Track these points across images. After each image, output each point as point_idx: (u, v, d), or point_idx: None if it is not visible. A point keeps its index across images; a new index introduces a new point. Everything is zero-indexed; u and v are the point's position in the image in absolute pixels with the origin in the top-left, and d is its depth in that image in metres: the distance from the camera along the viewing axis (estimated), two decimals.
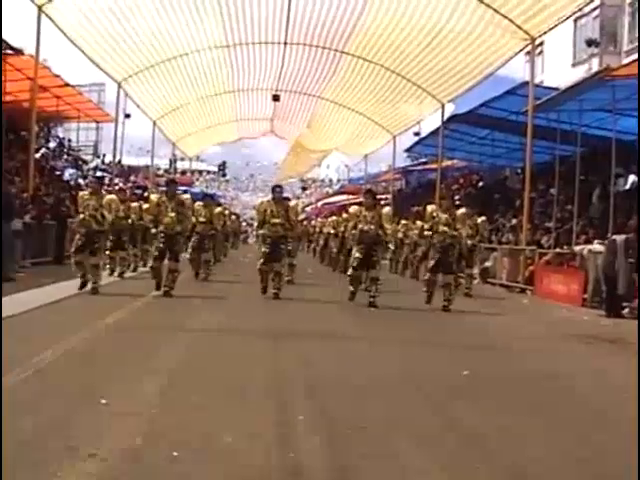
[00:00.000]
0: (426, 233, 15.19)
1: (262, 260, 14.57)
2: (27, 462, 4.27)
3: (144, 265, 19.33)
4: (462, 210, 15.14)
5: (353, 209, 14.97)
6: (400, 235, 24.01)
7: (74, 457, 4.38)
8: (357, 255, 14.08)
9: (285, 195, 16.68)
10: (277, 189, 15.36)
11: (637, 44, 28.68)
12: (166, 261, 13.99)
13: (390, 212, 14.88)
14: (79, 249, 13.66)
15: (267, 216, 14.58)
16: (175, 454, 4.49)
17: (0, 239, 14.70)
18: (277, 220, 14.51)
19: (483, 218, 19.14)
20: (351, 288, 14.35)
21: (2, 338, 7.17)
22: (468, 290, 17.80)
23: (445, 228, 14.30)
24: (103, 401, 5.57)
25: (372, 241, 13.94)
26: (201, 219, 18.38)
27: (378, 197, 20.03)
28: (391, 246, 22.48)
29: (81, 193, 14.69)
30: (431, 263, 14.65)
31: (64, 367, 6.99)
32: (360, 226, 14.06)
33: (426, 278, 14.69)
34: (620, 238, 15.29)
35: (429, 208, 15.06)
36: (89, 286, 13.55)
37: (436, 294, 14.14)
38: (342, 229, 20.59)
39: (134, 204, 18.58)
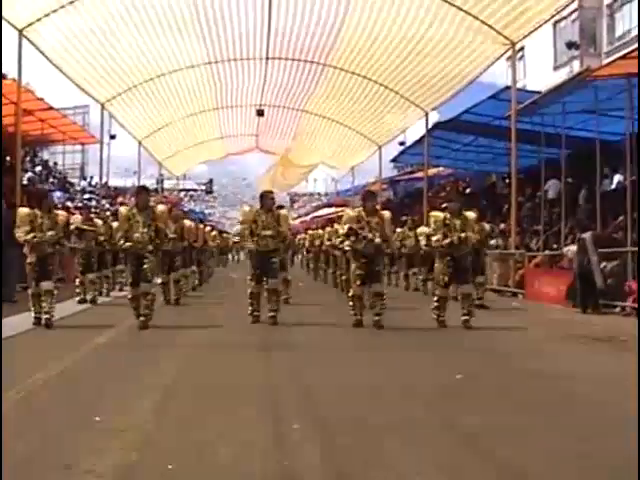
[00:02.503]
0: (438, 242, 12.56)
1: (251, 281, 12.72)
2: None
3: (119, 289, 18.40)
4: (472, 214, 13.14)
5: (350, 213, 12.75)
6: (397, 245, 21.37)
7: (70, 475, 4.37)
8: (358, 272, 12.14)
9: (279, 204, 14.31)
10: (267, 195, 13.16)
11: (636, 37, 28.85)
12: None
13: (390, 217, 12.77)
14: (37, 280, 11.71)
15: (256, 228, 12.57)
16: (170, 467, 4.50)
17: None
18: (267, 232, 12.51)
19: (487, 224, 17.70)
20: (353, 312, 12.23)
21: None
22: (480, 300, 16.20)
23: (460, 235, 12.32)
24: (97, 418, 5.58)
25: (376, 251, 12.23)
26: (170, 235, 15.67)
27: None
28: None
29: (22, 210, 12.21)
30: (443, 279, 12.41)
31: (57, 387, 7.00)
32: (362, 234, 12.05)
33: (438, 294, 12.51)
34: (587, 235, 15.80)
35: (438, 214, 12.86)
36: (43, 320, 11.64)
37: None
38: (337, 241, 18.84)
39: (99, 222, 17.16)
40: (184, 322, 12.94)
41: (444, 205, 13.56)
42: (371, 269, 12.13)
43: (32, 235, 11.70)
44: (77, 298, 16.15)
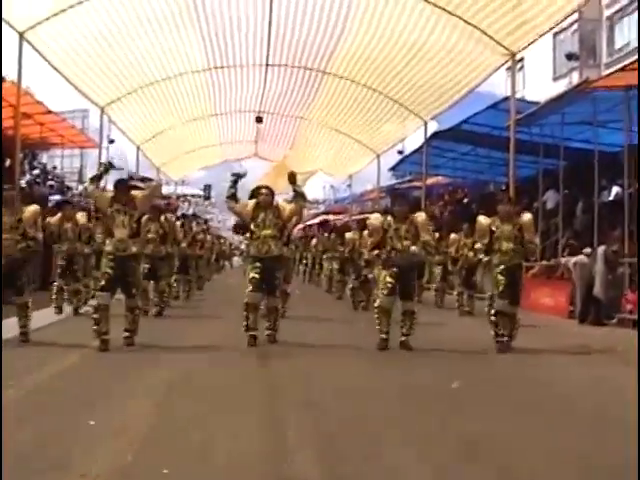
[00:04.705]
0: (480, 256, 11.25)
1: (250, 289, 10.72)
2: None
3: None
4: (528, 216, 11.27)
5: (376, 220, 11.09)
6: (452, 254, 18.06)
7: (65, 477, 4.37)
8: (389, 280, 10.57)
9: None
10: (264, 190, 11.08)
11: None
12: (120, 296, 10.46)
13: (426, 219, 11.22)
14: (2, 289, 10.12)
15: (257, 227, 10.71)
16: (165, 471, 4.49)
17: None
18: (268, 232, 10.63)
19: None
20: (379, 328, 10.61)
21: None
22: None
23: (510, 245, 10.68)
24: (92, 423, 5.57)
25: (409, 263, 10.69)
26: (150, 235, 14.12)
27: (364, 216, 18.40)
28: (437, 270, 19.23)
29: None
30: (499, 289, 10.72)
31: (52, 389, 7.00)
32: (393, 244, 10.61)
33: (495, 311, 10.76)
34: (601, 248, 15.90)
35: (482, 221, 11.11)
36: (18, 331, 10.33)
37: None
38: (348, 249, 18.28)
39: (81, 219, 15.10)
40: (169, 339, 11.29)
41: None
42: (403, 283, 10.64)
43: None
44: (53, 305, 14.65)
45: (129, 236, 10.10)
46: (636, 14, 30.25)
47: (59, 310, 14.67)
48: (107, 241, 10.13)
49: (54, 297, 14.79)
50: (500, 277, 10.69)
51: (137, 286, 10.56)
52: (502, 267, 10.71)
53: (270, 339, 10.92)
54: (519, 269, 11.05)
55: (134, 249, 10.20)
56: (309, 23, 23.94)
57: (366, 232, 11.60)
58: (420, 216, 11.03)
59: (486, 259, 11.04)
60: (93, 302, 11.43)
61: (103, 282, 10.03)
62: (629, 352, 10.74)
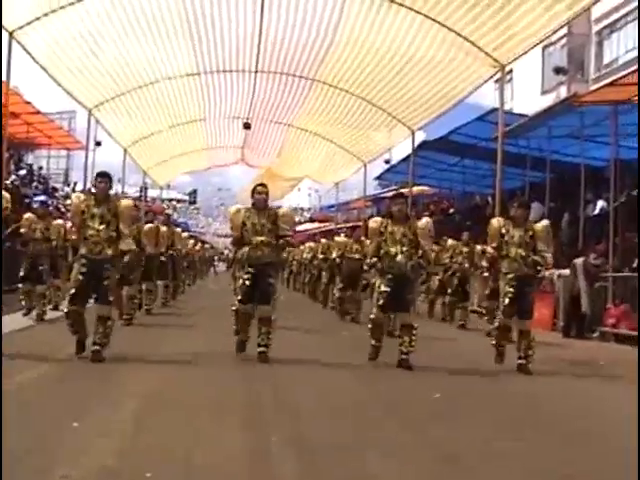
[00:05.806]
0: (489, 251, 10.43)
1: (240, 297, 10.01)
2: None
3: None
4: (544, 223, 10.70)
5: (374, 222, 10.28)
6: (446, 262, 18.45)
7: None
8: (383, 289, 9.85)
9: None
10: (259, 188, 10.33)
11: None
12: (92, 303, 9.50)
13: (430, 225, 10.19)
14: None
15: (247, 232, 9.90)
16: (148, 475, 4.46)
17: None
18: (262, 238, 9.81)
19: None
20: (373, 342, 10.12)
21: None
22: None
23: (520, 251, 10.04)
24: (75, 424, 5.53)
25: (406, 271, 9.88)
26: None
27: (353, 225, 18.31)
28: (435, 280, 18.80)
29: None
30: (504, 302, 10.15)
31: (35, 392, 6.94)
32: (387, 249, 9.88)
33: (497, 325, 10.39)
34: (579, 261, 15.98)
35: (495, 222, 10.54)
36: None
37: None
38: (338, 253, 17.73)
39: (56, 222, 14.74)
40: (145, 347, 10.80)
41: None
42: (398, 293, 9.86)
43: None
44: (23, 311, 14.15)
45: (105, 239, 9.31)
46: (624, 30, 30.52)
47: (27, 312, 14.13)
48: (81, 244, 9.38)
49: (23, 303, 14.33)
50: (508, 288, 10.08)
51: (110, 291, 9.45)
52: (511, 276, 10.09)
53: (262, 357, 9.73)
54: (530, 280, 10.30)
55: (109, 252, 9.33)
56: (299, 30, 23.93)
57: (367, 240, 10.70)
58: (421, 223, 10.18)
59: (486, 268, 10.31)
60: (64, 307, 10.59)
61: (74, 290, 9.18)
62: (614, 366, 10.81)
